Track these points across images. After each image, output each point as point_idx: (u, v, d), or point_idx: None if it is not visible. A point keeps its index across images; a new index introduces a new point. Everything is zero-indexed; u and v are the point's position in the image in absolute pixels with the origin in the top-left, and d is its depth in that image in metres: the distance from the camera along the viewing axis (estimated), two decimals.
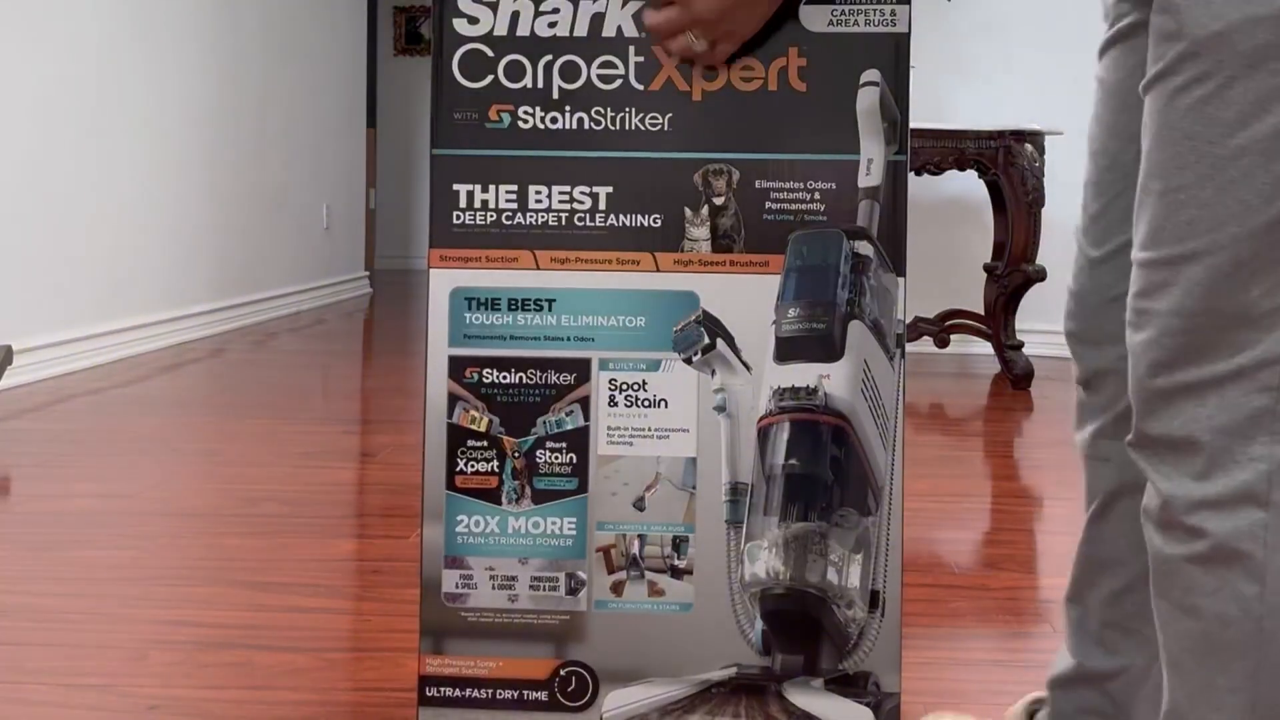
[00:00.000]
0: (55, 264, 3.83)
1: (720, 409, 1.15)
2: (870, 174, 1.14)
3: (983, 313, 4.25)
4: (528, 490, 1.17)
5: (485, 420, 1.17)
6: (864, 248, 1.14)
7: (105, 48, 4.11)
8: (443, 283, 1.17)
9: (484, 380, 1.17)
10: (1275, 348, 0.81)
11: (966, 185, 4.55)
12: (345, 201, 6.90)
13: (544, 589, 1.17)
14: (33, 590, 1.83)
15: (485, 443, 1.17)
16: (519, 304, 1.16)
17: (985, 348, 4.45)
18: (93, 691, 1.46)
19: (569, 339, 1.16)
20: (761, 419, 1.15)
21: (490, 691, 1.17)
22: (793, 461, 1.14)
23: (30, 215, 3.69)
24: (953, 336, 4.33)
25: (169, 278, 4.61)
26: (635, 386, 1.16)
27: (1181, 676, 0.87)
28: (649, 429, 1.16)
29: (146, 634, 1.65)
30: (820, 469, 1.14)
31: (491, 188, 1.16)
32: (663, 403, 1.16)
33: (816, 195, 1.14)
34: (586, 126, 1.15)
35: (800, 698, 1.14)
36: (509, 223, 1.16)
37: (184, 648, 1.60)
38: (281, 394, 3.74)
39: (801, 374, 1.14)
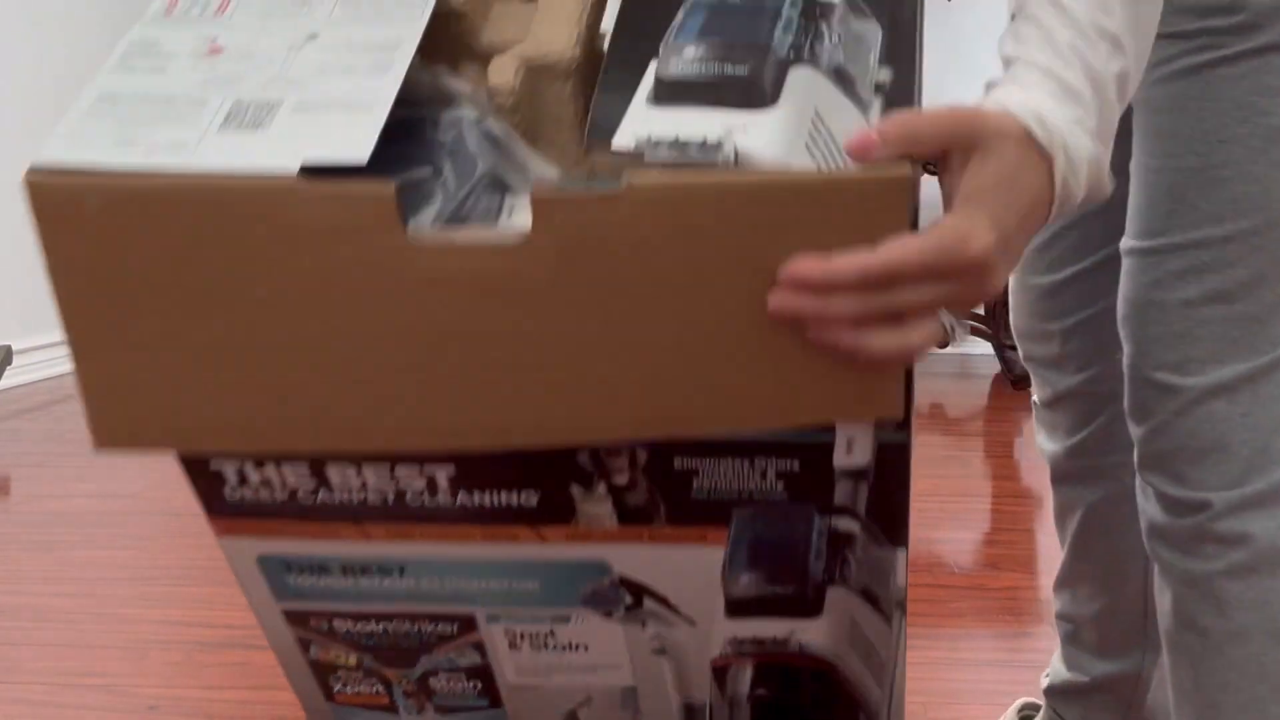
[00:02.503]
0: None
1: (660, 651, 0.85)
2: None
3: (982, 313, 4.26)
4: (428, 707, 0.91)
5: (354, 658, 0.89)
6: None
7: (105, 47, 4.11)
8: (241, 551, 0.84)
9: (336, 629, 0.86)
10: None
11: None
12: None
13: None
14: (33, 590, 1.83)
15: (361, 673, 0.90)
16: (357, 569, 0.81)
17: (985, 348, 4.45)
18: (93, 691, 1.46)
19: (439, 599, 0.82)
20: (716, 660, 0.85)
21: None
22: (760, 691, 0.86)
23: (29, 215, 3.68)
24: None
25: None
26: (542, 635, 0.84)
27: (1229, 695, 0.79)
28: (568, 665, 0.86)
29: (146, 634, 1.65)
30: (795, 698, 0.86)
31: (270, 465, 0.75)
32: (582, 647, 0.85)
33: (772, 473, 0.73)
34: None
35: None
36: (308, 503, 0.77)
37: (184, 648, 1.60)
38: None
39: (765, 625, 0.81)
